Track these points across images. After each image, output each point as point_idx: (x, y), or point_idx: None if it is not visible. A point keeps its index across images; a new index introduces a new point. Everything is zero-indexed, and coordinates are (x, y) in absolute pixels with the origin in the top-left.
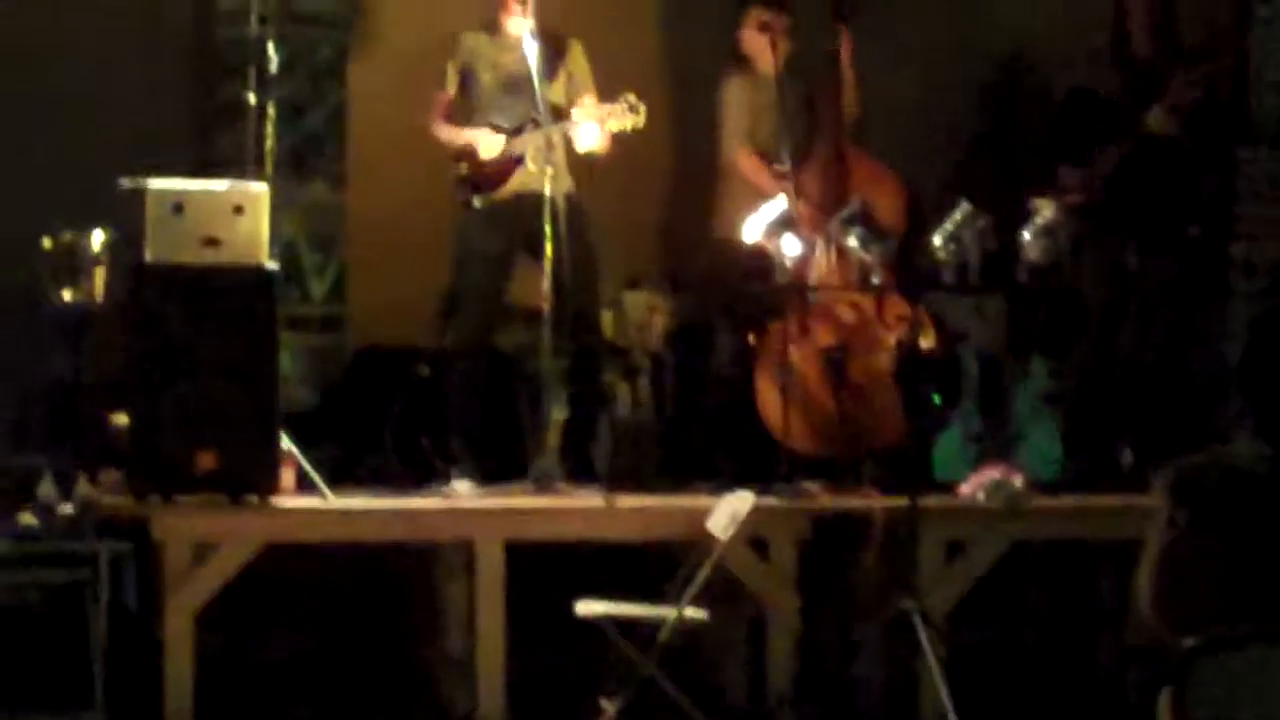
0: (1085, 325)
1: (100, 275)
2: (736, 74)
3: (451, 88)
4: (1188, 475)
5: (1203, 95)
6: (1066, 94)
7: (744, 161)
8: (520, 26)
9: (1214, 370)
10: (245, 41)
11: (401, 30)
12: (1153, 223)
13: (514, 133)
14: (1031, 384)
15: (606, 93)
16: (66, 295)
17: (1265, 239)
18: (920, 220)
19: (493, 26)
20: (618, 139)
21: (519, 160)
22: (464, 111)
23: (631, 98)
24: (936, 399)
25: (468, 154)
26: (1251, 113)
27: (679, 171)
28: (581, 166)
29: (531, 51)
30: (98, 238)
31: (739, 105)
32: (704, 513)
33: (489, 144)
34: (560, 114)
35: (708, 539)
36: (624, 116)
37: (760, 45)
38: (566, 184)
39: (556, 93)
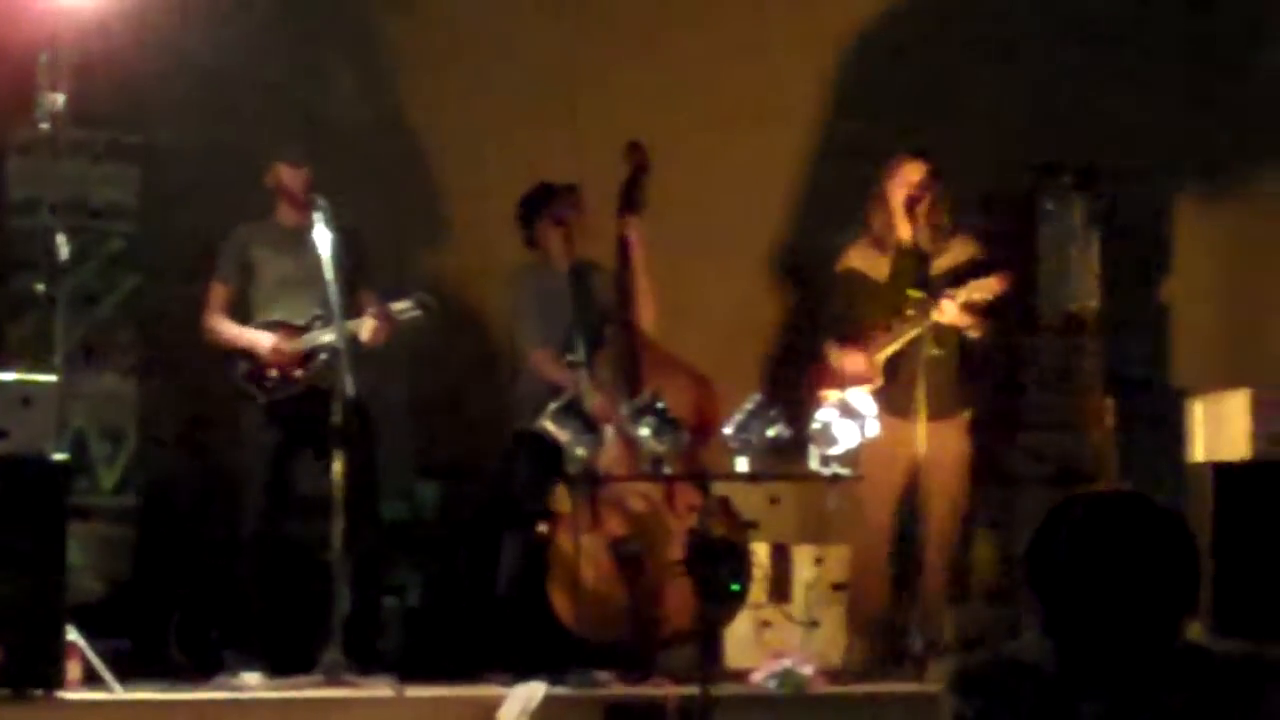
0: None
1: None
2: (530, 265)
3: (230, 280)
4: (973, 671)
5: (999, 293)
6: (837, 276)
7: (536, 357)
8: (307, 220)
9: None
10: (36, 232)
11: (192, 219)
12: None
13: (300, 330)
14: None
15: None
16: None
17: (1051, 427)
18: (716, 411)
19: (276, 219)
20: (410, 328)
21: (306, 358)
22: (246, 304)
23: (423, 294)
24: (735, 587)
25: (247, 354)
26: (1038, 304)
27: (474, 361)
28: (373, 357)
29: (323, 244)
30: None
31: (530, 302)
32: (495, 702)
33: (270, 347)
34: (349, 309)
35: None
36: (414, 312)
37: (554, 237)
38: (353, 379)
39: (344, 287)
